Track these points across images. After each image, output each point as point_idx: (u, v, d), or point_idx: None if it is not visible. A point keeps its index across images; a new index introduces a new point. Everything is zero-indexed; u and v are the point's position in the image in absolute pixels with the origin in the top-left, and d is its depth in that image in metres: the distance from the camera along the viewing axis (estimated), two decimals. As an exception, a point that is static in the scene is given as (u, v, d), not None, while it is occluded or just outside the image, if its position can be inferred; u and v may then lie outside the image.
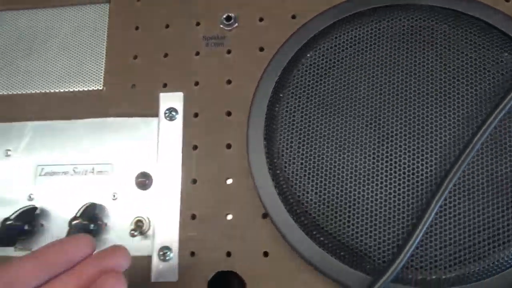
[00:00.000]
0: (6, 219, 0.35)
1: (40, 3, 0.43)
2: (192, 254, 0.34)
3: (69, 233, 0.33)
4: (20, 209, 0.36)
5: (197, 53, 0.39)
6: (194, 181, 0.36)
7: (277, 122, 0.34)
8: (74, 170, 0.38)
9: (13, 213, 0.35)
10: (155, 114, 0.38)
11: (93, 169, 0.38)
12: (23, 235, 0.36)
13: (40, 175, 0.38)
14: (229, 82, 0.38)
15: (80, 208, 0.35)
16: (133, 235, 0.35)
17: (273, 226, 0.33)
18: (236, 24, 0.39)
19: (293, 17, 0.39)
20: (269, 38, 0.38)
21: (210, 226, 0.35)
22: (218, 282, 0.34)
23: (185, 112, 0.38)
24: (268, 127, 0.34)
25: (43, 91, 0.40)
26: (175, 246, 0.34)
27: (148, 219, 0.36)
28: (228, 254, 0.34)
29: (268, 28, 0.39)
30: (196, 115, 0.38)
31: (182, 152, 0.37)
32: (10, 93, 0.41)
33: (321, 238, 0.31)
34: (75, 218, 0.34)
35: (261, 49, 0.38)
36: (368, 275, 0.30)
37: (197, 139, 0.37)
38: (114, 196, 0.37)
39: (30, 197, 0.38)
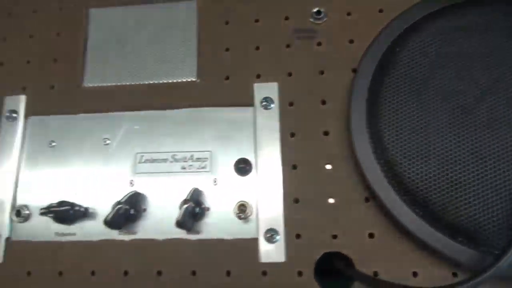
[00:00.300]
0: (118, 202, 0.36)
1: (132, 0, 0.44)
2: (298, 236, 0.35)
3: (180, 216, 0.35)
4: (129, 193, 0.37)
5: (288, 46, 0.41)
6: (294, 167, 0.37)
7: (379, 108, 0.35)
8: (173, 157, 0.39)
9: (123, 197, 0.37)
10: (250, 104, 0.40)
11: (192, 156, 0.39)
12: (129, 219, 0.37)
13: (139, 162, 0.39)
14: (321, 72, 0.40)
15: (189, 192, 0.36)
16: (240, 218, 0.36)
17: (377, 209, 0.35)
18: (325, 18, 0.41)
19: (380, 11, 0.41)
20: (358, 31, 0.40)
21: (313, 210, 0.36)
22: (323, 263, 0.35)
23: (280, 101, 0.39)
24: (370, 112, 0.36)
25: (137, 83, 0.42)
26: (280, 228, 0.36)
27: (251, 203, 0.37)
28: (334, 236, 0.35)
29: (356, 22, 0.41)
30: (291, 104, 0.39)
31: (281, 139, 0.38)
32: (105, 85, 0.42)
33: (431, 218, 0.32)
34: (186, 201, 0.35)
35: (351, 41, 0.40)
36: (483, 253, 0.31)
37: (294, 127, 0.38)
38: (214, 182, 0.38)
39: (131, 183, 0.39)
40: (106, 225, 0.36)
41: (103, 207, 0.38)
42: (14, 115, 0.42)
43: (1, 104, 0.42)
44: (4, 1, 0.46)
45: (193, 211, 0.36)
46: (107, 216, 0.36)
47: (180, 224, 0.35)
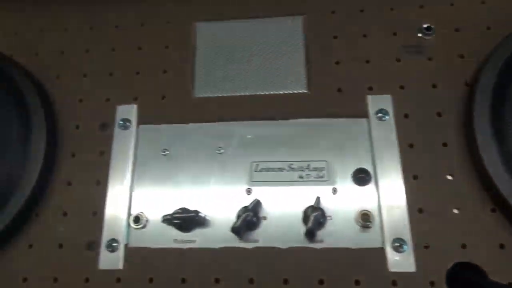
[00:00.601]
0: (245, 209, 0.36)
1: (237, 15, 0.46)
2: (426, 246, 0.35)
3: (311, 223, 0.35)
4: (254, 201, 0.37)
5: (398, 60, 0.42)
6: (415, 177, 0.38)
7: (504, 120, 0.36)
8: (289, 167, 0.40)
9: (250, 204, 0.37)
10: (363, 115, 0.40)
11: (308, 165, 0.39)
12: (250, 227, 0.37)
13: (255, 171, 0.40)
14: (434, 86, 0.40)
15: (316, 200, 0.37)
16: (367, 226, 0.36)
17: (506, 220, 0.35)
18: (434, 34, 0.42)
19: (488, 28, 0.42)
20: (467, 46, 0.41)
21: (439, 220, 0.36)
22: (450, 273, 0.35)
23: (395, 113, 0.40)
24: (494, 125, 0.36)
25: (246, 94, 0.43)
26: (407, 238, 0.36)
27: (373, 212, 0.37)
28: (463, 246, 0.35)
29: (465, 38, 0.42)
30: (406, 115, 0.40)
31: (399, 150, 0.38)
32: (215, 95, 0.43)
33: None
34: (315, 209, 0.36)
35: (461, 56, 0.41)
36: None
37: (412, 138, 0.39)
38: (334, 191, 0.38)
39: (248, 191, 0.39)
40: (233, 232, 0.36)
41: (220, 214, 0.39)
42: (127, 123, 0.43)
43: (113, 112, 0.43)
44: (112, 14, 0.48)
45: (319, 219, 0.36)
46: (235, 223, 0.36)
47: (310, 231, 0.35)
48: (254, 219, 0.37)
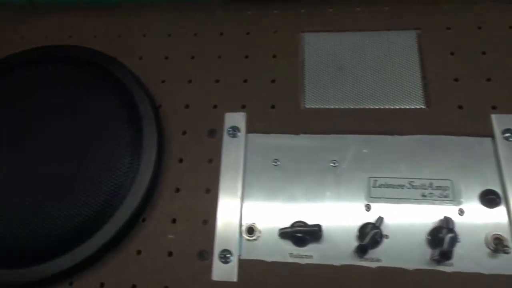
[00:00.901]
0: (373, 225, 0.35)
1: (347, 27, 0.45)
2: None
3: (446, 245, 0.33)
4: (379, 218, 0.36)
5: (523, 79, 0.41)
6: (551, 202, 0.36)
7: None
8: (410, 184, 0.38)
9: (376, 221, 0.35)
10: (487, 134, 0.39)
11: (431, 184, 0.38)
12: (373, 245, 0.36)
13: (374, 186, 0.38)
14: None
15: (447, 221, 0.35)
16: (505, 251, 0.34)
17: None
18: (556, 54, 0.41)
19: None
20: None
21: None
22: None
23: (523, 134, 0.38)
24: None
25: (359, 107, 0.42)
26: (548, 266, 0.34)
27: (505, 236, 0.35)
28: None
29: None
30: (535, 137, 0.38)
31: (531, 173, 0.37)
32: (326, 107, 0.42)
33: None
34: (450, 230, 0.34)
35: None
36: None
37: (544, 161, 0.37)
38: (460, 212, 0.36)
39: (367, 207, 0.38)
40: (360, 249, 0.35)
41: (338, 230, 0.37)
42: (236, 131, 0.42)
43: (221, 120, 0.42)
44: (216, 22, 0.48)
45: (454, 241, 0.34)
46: (363, 239, 0.35)
47: (446, 253, 0.33)
48: (379, 237, 0.36)
